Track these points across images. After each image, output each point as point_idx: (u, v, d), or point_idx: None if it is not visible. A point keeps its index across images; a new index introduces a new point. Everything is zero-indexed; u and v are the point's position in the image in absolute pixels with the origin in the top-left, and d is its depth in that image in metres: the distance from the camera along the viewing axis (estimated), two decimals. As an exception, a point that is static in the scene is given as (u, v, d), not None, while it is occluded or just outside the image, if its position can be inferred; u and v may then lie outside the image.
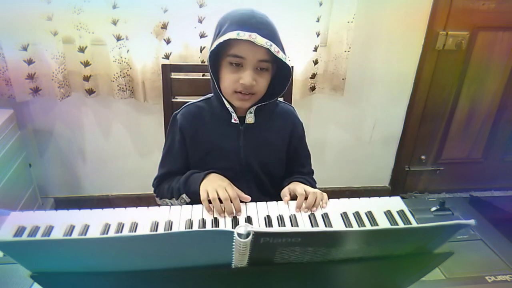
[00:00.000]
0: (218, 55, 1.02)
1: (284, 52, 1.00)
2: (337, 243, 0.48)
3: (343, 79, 1.90)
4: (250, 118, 1.11)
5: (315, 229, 0.80)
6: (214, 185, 1.01)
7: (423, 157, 2.32)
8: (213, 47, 0.99)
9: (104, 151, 2.07)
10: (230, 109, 1.09)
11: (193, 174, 1.10)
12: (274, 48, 0.96)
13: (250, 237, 0.43)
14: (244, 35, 0.94)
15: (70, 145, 2.04)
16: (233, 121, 1.11)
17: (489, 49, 2.05)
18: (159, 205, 1.20)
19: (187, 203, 1.10)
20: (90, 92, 1.82)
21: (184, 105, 1.19)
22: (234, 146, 1.13)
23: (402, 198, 2.70)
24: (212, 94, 1.14)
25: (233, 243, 0.45)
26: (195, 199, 1.05)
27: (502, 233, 0.96)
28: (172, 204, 1.14)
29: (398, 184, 2.39)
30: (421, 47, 2.00)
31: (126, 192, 2.22)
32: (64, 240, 0.55)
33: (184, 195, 1.09)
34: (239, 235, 0.43)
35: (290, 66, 1.03)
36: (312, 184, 1.17)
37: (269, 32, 0.97)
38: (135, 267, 0.51)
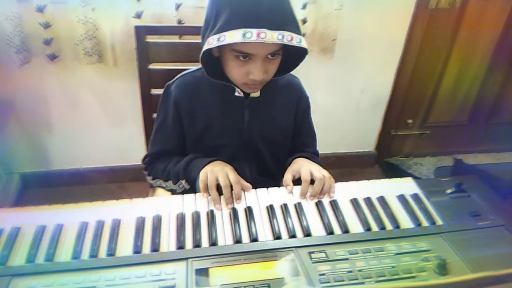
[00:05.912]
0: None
1: (298, 27, 0.83)
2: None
3: (333, 40, 1.77)
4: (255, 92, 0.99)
5: None
6: (215, 169, 0.89)
7: (410, 121, 2.26)
8: (210, 46, 0.81)
9: (72, 121, 1.89)
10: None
11: (195, 159, 0.97)
12: (286, 38, 0.80)
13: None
14: (251, 35, 0.77)
15: (34, 117, 1.84)
16: (236, 94, 0.98)
17: (482, 9, 1.94)
18: (151, 185, 1.08)
19: (185, 191, 0.97)
20: (53, 57, 1.62)
21: (179, 75, 1.04)
22: (237, 121, 1.01)
23: (388, 163, 2.60)
24: None
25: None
26: (196, 187, 0.93)
27: None
28: (167, 187, 1.02)
29: (383, 149, 2.33)
30: (414, 5, 1.87)
31: (99, 165, 2.07)
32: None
33: (183, 181, 0.97)
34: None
35: (306, 48, 0.86)
36: (319, 163, 1.02)
37: (281, 17, 0.80)
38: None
